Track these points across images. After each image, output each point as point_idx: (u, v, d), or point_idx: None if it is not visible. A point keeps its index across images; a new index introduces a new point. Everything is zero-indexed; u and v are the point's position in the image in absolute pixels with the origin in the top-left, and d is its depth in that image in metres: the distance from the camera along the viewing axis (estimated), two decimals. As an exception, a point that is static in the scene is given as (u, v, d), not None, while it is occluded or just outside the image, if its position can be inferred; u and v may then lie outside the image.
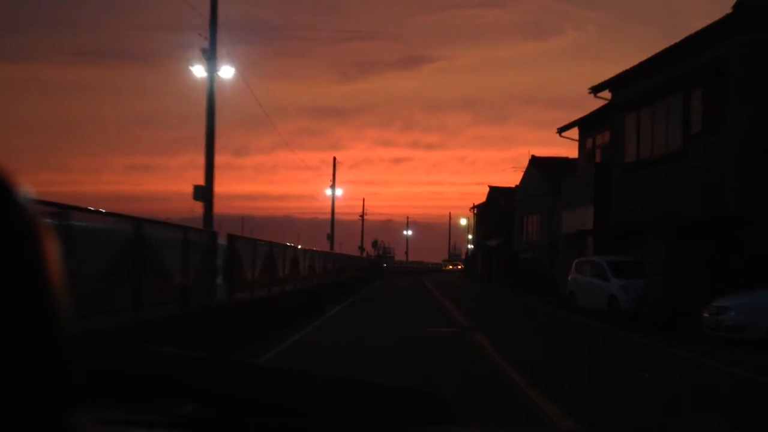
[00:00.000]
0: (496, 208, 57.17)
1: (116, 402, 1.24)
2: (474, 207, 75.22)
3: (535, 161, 43.99)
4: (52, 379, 0.59)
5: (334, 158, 57.40)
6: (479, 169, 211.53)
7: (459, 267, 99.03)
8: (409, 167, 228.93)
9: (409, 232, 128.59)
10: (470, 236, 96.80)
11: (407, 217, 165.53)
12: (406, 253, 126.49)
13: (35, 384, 0.57)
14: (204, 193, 20.93)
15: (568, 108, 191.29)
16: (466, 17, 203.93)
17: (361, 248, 79.57)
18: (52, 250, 0.61)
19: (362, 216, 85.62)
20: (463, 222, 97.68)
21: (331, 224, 55.35)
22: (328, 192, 56.14)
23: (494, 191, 66.04)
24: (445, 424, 1.29)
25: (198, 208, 20.99)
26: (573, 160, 36.12)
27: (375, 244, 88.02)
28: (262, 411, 1.24)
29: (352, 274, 42.25)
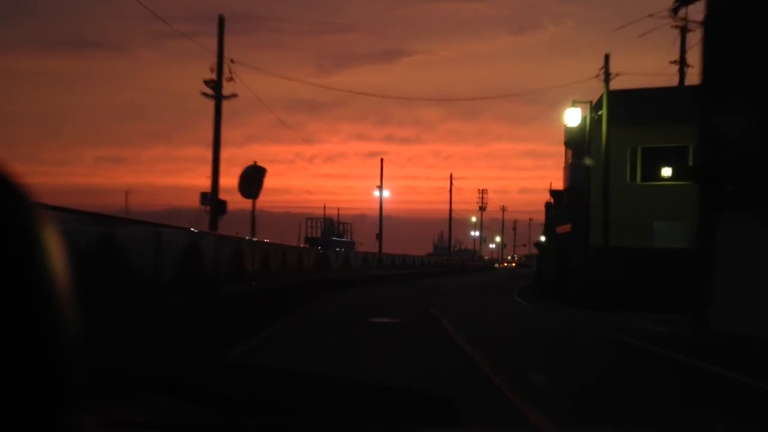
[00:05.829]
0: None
1: (117, 402, 1.22)
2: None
3: None
4: (54, 378, 0.58)
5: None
6: (454, 163, 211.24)
7: (513, 266, 76.85)
8: (384, 161, 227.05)
9: (385, 192, 64.98)
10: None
11: (381, 169, 67.47)
12: (379, 235, 59.37)
13: (37, 383, 0.57)
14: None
15: (543, 104, 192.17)
16: (444, 11, 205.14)
17: (252, 220, 26.19)
18: (56, 247, 0.60)
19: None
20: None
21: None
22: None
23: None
24: (451, 424, 1.28)
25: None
26: None
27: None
28: (263, 412, 1.22)
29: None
